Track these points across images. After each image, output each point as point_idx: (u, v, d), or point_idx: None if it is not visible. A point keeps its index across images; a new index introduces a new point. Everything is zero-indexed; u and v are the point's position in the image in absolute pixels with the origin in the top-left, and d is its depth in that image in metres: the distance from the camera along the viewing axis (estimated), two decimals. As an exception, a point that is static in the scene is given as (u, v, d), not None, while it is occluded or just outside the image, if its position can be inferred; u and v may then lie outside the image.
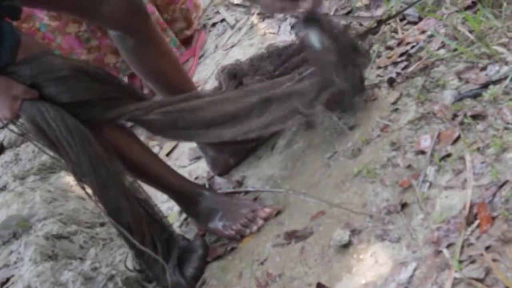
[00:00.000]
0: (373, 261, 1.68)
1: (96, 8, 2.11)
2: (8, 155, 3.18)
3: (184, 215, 2.50)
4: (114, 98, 2.02)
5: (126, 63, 2.54)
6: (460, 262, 1.47)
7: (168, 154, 2.94)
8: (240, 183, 2.43)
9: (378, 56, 2.36)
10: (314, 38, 2.08)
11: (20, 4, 1.93)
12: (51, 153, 1.99)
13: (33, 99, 1.87)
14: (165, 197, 2.47)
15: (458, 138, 1.81)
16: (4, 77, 1.83)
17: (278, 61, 2.39)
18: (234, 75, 2.42)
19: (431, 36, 2.24)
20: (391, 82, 2.19)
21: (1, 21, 1.87)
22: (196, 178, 2.65)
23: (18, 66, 1.86)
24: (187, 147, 2.88)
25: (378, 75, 2.28)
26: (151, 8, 3.03)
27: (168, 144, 2.97)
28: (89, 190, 2.01)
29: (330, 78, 2.09)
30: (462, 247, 1.50)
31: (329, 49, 2.06)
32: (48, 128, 1.89)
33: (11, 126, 1.96)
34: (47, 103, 1.89)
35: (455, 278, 1.44)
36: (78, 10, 2.17)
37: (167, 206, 2.55)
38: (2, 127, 3.34)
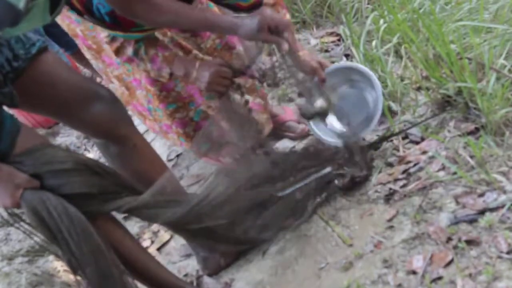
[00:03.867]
0: None
1: (80, 114, 2.15)
2: (-2, 234, 3.17)
3: (168, 313, 2.45)
4: (113, 192, 2.02)
5: None
6: None
7: (159, 249, 2.92)
8: (228, 285, 2.40)
9: (379, 172, 2.37)
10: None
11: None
12: (39, 238, 1.98)
13: (34, 188, 1.88)
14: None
15: (450, 261, 1.79)
16: (6, 166, 1.85)
17: (278, 168, 2.39)
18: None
19: (432, 157, 2.25)
20: (388, 199, 2.20)
21: (1, 108, 1.90)
22: (185, 275, 2.61)
23: (21, 157, 1.88)
24: (179, 243, 2.85)
25: (376, 191, 2.28)
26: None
27: (160, 239, 2.95)
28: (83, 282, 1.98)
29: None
30: None
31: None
32: (49, 217, 1.88)
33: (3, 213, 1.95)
34: (48, 193, 1.89)
35: None
36: (63, 115, 2.19)
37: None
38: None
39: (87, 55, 2.69)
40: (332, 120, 2.59)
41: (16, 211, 1.98)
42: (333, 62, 3.19)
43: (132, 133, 2.29)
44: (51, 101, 2.11)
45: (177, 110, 2.74)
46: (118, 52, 2.43)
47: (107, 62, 2.67)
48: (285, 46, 2.15)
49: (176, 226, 2.23)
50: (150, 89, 2.65)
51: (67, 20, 2.50)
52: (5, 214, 1.99)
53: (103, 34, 2.41)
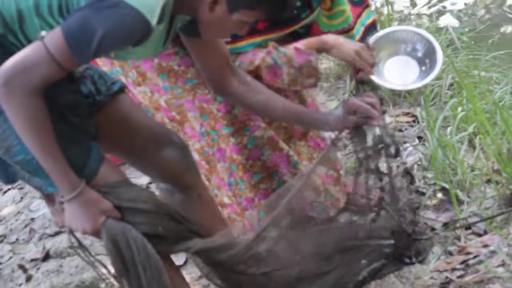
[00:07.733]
0: None
1: (151, 157, 2.19)
2: (51, 264, 3.17)
3: None
4: (185, 237, 2.04)
5: None
6: None
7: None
8: None
9: (437, 259, 2.32)
10: None
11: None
12: (99, 271, 2.00)
13: (116, 219, 1.90)
14: None
15: None
16: (94, 191, 1.87)
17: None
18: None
19: (493, 252, 2.20)
20: (443, 287, 2.15)
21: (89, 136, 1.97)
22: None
23: (107, 188, 1.91)
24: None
25: (432, 277, 2.25)
26: None
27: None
28: None
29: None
30: None
31: None
32: (126, 249, 1.90)
33: (70, 236, 1.97)
34: (130, 226, 1.91)
35: None
36: (133, 156, 2.23)
37: None
38: (54, 235, 3.40)
39: None
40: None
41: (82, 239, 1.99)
42: (405, 143, 3.20)
43: (198, 183, 2.32)
44: (124, 140, 2.15)
45: (262, 180, 2.66)
46: None
47: (189, 134, 2.61)
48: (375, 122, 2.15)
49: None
50: (236, 159, 2.59)
51: (151, 87, 2.50)
52: (71, 242, 1.99)
53: None
